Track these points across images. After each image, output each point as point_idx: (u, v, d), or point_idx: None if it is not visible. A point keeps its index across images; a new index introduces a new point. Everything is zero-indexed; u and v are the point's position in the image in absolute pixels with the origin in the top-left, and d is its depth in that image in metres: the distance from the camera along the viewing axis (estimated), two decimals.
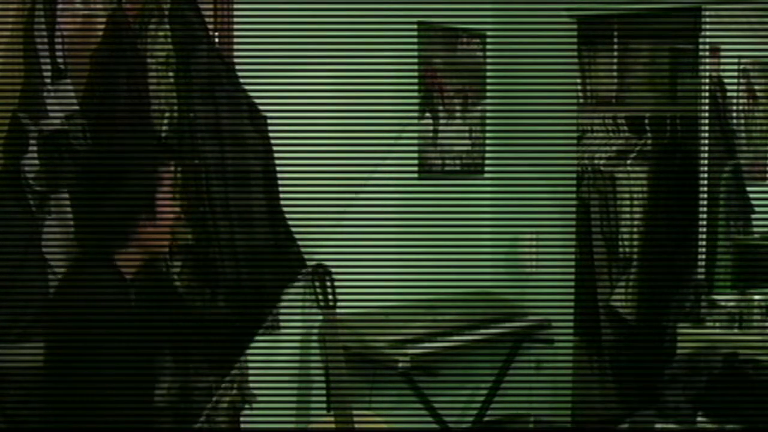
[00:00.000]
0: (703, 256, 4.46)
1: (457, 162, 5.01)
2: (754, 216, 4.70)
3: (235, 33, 3.94)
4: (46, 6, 3.34)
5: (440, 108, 4.91)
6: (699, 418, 3.41)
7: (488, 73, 5.13)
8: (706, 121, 4.46)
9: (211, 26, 3.78)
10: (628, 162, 4.85)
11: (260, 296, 3.71)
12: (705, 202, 4.47)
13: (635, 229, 4.80)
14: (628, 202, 4.81)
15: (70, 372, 2.74)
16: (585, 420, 4.93)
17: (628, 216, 4.81)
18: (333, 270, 4.18)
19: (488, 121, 5.14)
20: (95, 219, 2.88)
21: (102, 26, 3.46)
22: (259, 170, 3.76)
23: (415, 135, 4.80)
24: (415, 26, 4.75)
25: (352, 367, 4.18)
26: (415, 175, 4.81)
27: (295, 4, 4.15)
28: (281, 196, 3.85)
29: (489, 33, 5.10)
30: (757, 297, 4.22)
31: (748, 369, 3.53)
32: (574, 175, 4.91)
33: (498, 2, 5.07)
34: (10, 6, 3.41)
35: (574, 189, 4.91)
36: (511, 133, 5.06)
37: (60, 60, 3.36)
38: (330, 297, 4.16)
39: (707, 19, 4.41)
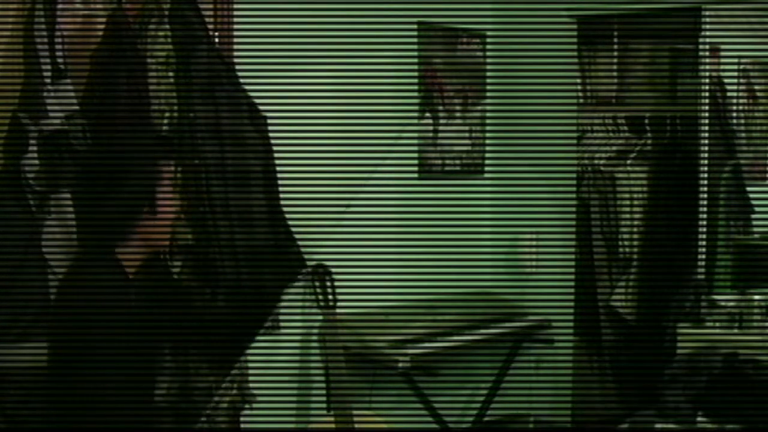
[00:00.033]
0: (703, 256, 4.46)
1: (457, 162, 5.01)
2: (754, 216, 4.70)
3: (235, 33, 3.94)
4: (46, 6, 3.34)
5: (440, 108, 4.91)
6: (699, 418, 3.41)
7: (488, 73, 5.13)
8: (706, 121, 4.46)
9: (211, 26, 3.77)
10: (628, 162, 4.85)
11: (260, 296, 3.71)
12: (705, 202, 4.47)
13: (635, 229, 4.80)
14: (628, 202, 4.81)
15: (73, 368, 2.74)
16: (585, 420, 4.93)
17: (628, 216, 4.81)
18: (333, 270, 4.18)
19: (488, 121, 5.14)
20: (96, 215, 2.88)
21: (102, 26, 3.46)
22: (259, 170, 3.75)
23: (415, 135, 4.80)
24: (415, 26, 4.75)
25: (352, 367, 4.18)
26: (415, 175, 4.81)
27: (295, 4, 4.15)
28: (281, 196, 3.85)
29: (489, 33, 5.10)
30: (757, 297, 4.22)
31: (748, 369, 3.53)
32: (574, 175, 4.91)
33: (498, 2, 5.07)
34: (10, 6, 3.41)
35: (574, 189, 4.91)
36: (511, 133, 5.06)
37: (60, 60, 3.36)
38: (330, 297, 4.16)
39: (707, 19, 4.41)
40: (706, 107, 4.46)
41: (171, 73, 3.58)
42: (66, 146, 3.32)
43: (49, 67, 3.34)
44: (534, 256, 5.04)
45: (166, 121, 3.59)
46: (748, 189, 4.69)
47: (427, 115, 4.85)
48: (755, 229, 4.74)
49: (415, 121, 4.79)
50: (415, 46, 4.77)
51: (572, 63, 4.93)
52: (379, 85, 4.45)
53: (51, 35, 3.34)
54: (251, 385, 3.80)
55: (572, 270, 4.92)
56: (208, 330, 3.27)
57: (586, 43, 4.99)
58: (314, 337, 4.33)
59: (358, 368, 4.29)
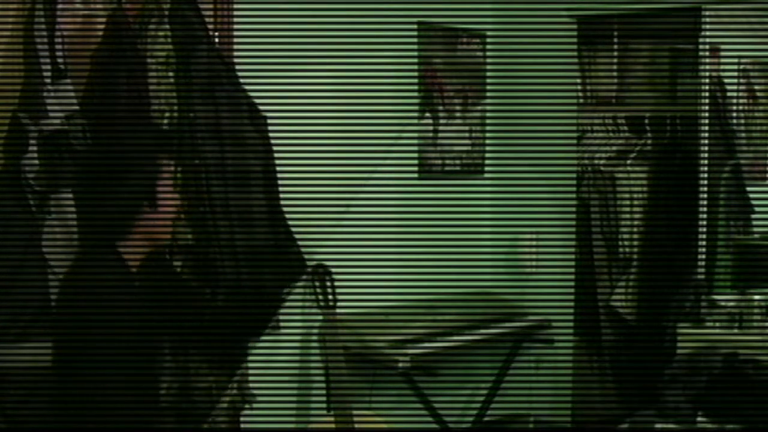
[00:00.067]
0: (703, 256, 4.46)
1: (457, 162, 5.01)
2: (754, 216, 4.70)
3: (235, 33, 3.94)
4: (46, 6, 3.34)
5: (440, 108, 4.91)
6: (699, 418, 3.41)
7: (488, 73, 5.13)
8: (706, 121, 4.46)
9: (211, 26, 3.77)
10: (628, 162, 4.85)
11: (260, 296, 3.71)
12: (705, 202, 4.47)
13: (635, 229, 4.80)
14: (628, 202, 4.81)
15: (76, 363, 2.75)
16: (585, 420, 4.93)
17: (628, 216, 4.81)
18: (333, 270, 4.18)
19: (488, 121, 5.14)
20: (97, 211, 2.88)
21: (102, 26, 3.46)
22: (259, 170, 3.76)
23: (415, 135, 4.80)
24: (415, 26, 4.75)
25: (352, 367, 4.18)
26: (415, 175, 4.81)
27: (295, 4, 4.15)
28: (281, 196, 3.85)
29: (489, 33, 5.10)
30: (757, 297, 4.22)
31: (748, 369, 3.53)
32: (574, 175, 4.91)
33: (498, 2, 5.07)
34: (10, 6, 3.41)
35: (574, 189, 4.91)
36: (511, 133, 5.06)
37: (60, 60, 3.36)
38: (330, 297, 4.16)
39: (707, 19, 4.41)
40: (706, 107, 4.46)
41: (171, 73, 3.58)
42: (66, 146, 3.32)
43: (49, 67, 3.34)
44: (534, 256, 5.04)
45: (166, 121, 3.59)
46: (748, 189, 4.69)
47: (427, 115, 4.85)
48: (755, 229, 4.74)
49: (415, 121, 4.79)
50: (415, 46, 4.77)
51: (572, 63, 4.93)
52: (379, 85, 4.45)
53: (51, 35, 3.34)
54: (251, 385, 3.80)
55: (572, 270, 4.92)
56: (208, 327, 3.27)
57: (586, 43, 4.99)
58: (314, 337, 4.33)
59: (358, 368, 4.29)
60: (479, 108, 5.11)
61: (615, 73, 5.12)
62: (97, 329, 2.73)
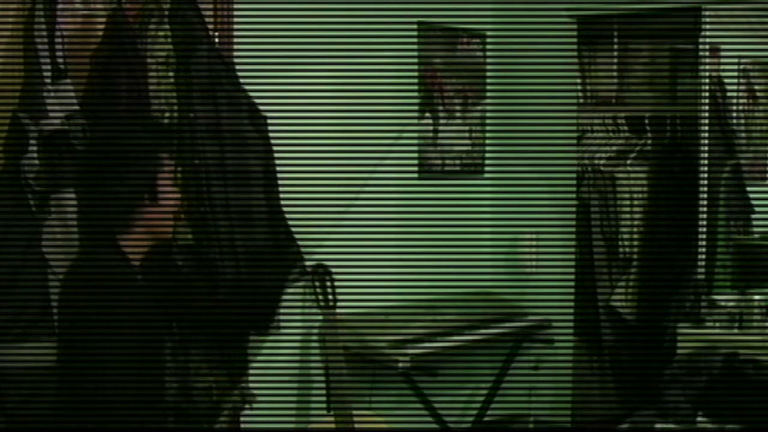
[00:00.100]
0: (703, 256, 4.46)
1: (457, 162, 5.01)
2: (754, 216, 4.70)
3: (235, 33, 3.94)
4: (46, 6, 3.34)
5: (440, 108, 4.91)
6: (699, 418, 3.41)
7: (488, 73, 5.13)
8: (706, 121, 4.46)
9: (211, 26, 3.78)
10: (628, 162, 4.85)
11: (260, 296, 3.71)
12: (705, 202, 4.47)
13: (635, 229, 4.81)
14: (628, 202, 4.81)
15: (80, 359, 2.75)
16: (585, 420, 4.94)
17: (628, 216, 4.81)
18: (333, 270, 4.18)
19: (488, 121, 5.14)
20: (98, 204, 2.89)
21: (102, 26, 3.46)
22: (259, 170, 3.76)
23: (415, 135, 4.80)
24: (415, 26, 4.75)
25: (352, 367, 4.18)
26: (415, 175, 4.81)
27: (295, 4, 4.15)
28: (281, 196, 3.85)
29: (489, 33, 5.10)
30: (757, 297, 4.22)
31: (748, 369, 3.53)
32: (574, 175, 4.91)
33: (498, 2, 5.07)
34: (10, 6, 3.41)
35: (574, 189, 4.91)
36: (511, 133, 5.06)
37: (60, 60, 3.36)
38: (330, 297, 4.16)
39: (707, 19, 4.41)
40: (706, 107, 4.46)
41: (171, 73, 3.58)
42: (66, 146, 3.32)
43: (49, 67, 3.34)
44: (534, 256, 5.04)
45: (166, 121, 3.59)
46: (748, 189, 4.69)
47: (427, 115, 4.85)
48: (755, 229, 4.74)
49: (415, 121, 4.79)
50: (415, 46, 4.77)
51: (572, 63, 4.93)
52: (379, 85, 4.45)
53: (51, 35, 3.35)
54: (251, 385, 3.80)
55: (572, 270, 4.92)
56: (209, 323, 3.27)
57: (586, 43, 4.99)
58: (314, 337, 4.33)
59: (358, 368, 4.29)
60: (479, 108, 5.11)
61: (615, 73, 5.12)
62: (100, 324, 2.73)
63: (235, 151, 3.65)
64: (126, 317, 2.77)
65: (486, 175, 5.14)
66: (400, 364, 4.19)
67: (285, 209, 3.85)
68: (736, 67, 4.65)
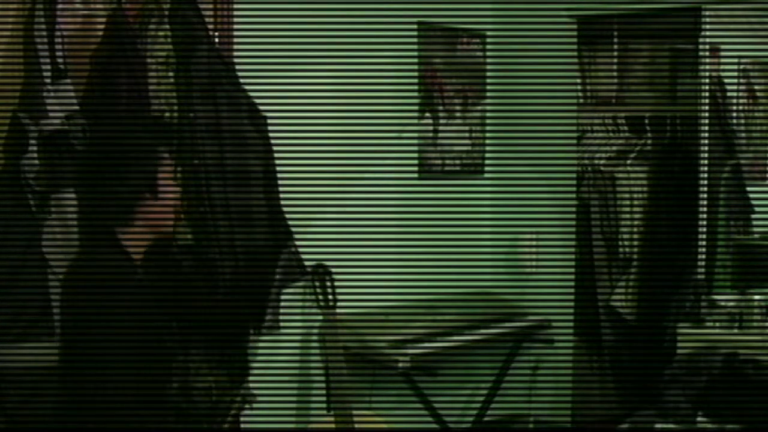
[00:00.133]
0: (703, 256, 4.46)
1: (457, 162, 5.01)
2: (754, 216, 4.70)
3: (235, 33, 3.93)
4: (46, 6, 3.34)
5: (440, 108, 4.91)
6: (699, 418, 3.41)
7: (488, 73, 5.13)
8: (706, 121, 4.46)
9: (211, 26, 3.77)
10: (628, 162, 4.85)
11: (259, 296, 3.72)
12: (705, 202, 4.47)
13: (635, 229, 4.81)
14: (628, 202, 4.81)
15: (82, 355, 2.75)
16: (585, 420, 4.93)
17: (628, 216, 4.81)
18: (333, 270, 4.18)
19: (488, 121, 5.14)
20: (98, 200, 2.89)
21: (102, 26, 3.46)
22: (259, 170, 3.76)
23: (415, 135, 4.80)
24: (415, 26, 4.75)
25: (352, 367, 4.18)
26: (415, 175, 4.81)
27: (295, 4, 4.15)
28: (281, 196, 3.85)
29: (489, 33, 5.10)
30: (757, 297, 4.22)
31: (748, 369, 3.53)
32: (574, 175, 4.91)
33: (498, 2, 5.07)
34: (10, 6, 3.41)
35: (574, 189, 4.91)
36: (511, 133, 5.06)
37: (60, 60, 3.36)
38: (330, 297, 4.16)
39: (707, 19, 4.41)
40: (706, 107, 4.46)
41: (171, 73, 3.58)
42: (66, 146, 3.32)
43: (49, 67, 3.34)
44: (534, 256, 5.04)
45: (165, 120, 3.59)
46: (748, 189, 4.69)
47: (427, 115, 4.84)
48: (755, 229, 4.74)
49: (415, 121, 4.79)
50: (415, 46, 4.77)
51: (572, 63, 4.93)
52: (379, 85, 4.45)
53: (51, 35, 3.34)
54: (251, 385, 3.80)
55: (572, 270, 4.92)
56: (209, 320, 3.27)
57: (586, 43, 4.99)
58: (314, 337, 4.33)
59: (358, 368, 4.29)
60: (479, 108, 5.10)
61: (615, 73, 5.12)
62: (101, 321, 2.73)
63: (235, 151, 3.65)
64: (127, 314, 2.77)
65: (486, 175, 5.14)
66: (400, 364, 4.19)
67: (285, 209, 3.85)
68: (736, 67, 4.65)
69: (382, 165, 4.59)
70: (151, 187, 2.88)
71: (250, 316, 3.70)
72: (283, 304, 3.90)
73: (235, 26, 3.93)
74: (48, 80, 3.33)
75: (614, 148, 4.91)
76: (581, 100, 5.05)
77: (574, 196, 4.91)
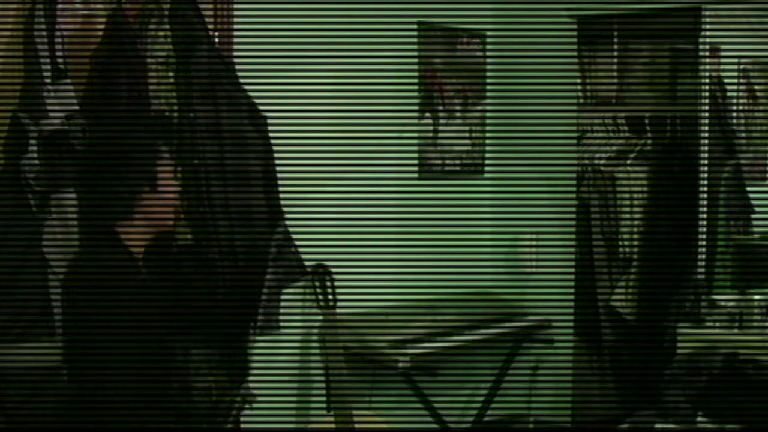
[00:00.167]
0: (703, 256, 4.46)
1: (457, 162, 5.01)
2: (754, 216, 4.70)
3: (235, 33, 3.94)
4: (46, 6, 3.34)
5: (440, 108, 4.91)
6: (699, 418, 3.41)
7: (488, 73, 5.13)
8: (706, 121, 4.46)
9: (211, 26, 3.78)
10: (628, 162, 4.85)
11: (259, 295, 3.71)
12: (705, 202, 4.47)
13: (635, 229, 4.81)
14: (628, 202, 4.81)
15: (85, 353, 2.75)
16: (585, 420, 4.93)
17: (628, 216, 4.81)
18: (333, 270, 4.18)
19: (488, 121, 5.14)
20: (98, 196, 2.89)
21: (102, 26, 3.46)
22: (259, 170, 3.76)
23: (415, 135, 4.80)
24: (415, 26, 4.75)
25: (352, 367, 4.18)
26: (415, 175, 4.81)
27: (295, 4, 4.15)
28: (281, 196, 3.85)
29: (489, 33, 5.10)
30: (757, 297, 4.22)
31: (748, 369, 3.53)
32: (574, 175, 4.91)
33: (498, 2, 5.07)
34: (10, 6, 3.41)
35: (574, 189, 4.91)
36: (511, 133, 5.06)
37: (60, 60, 3.36)
38: (330, 297, 4.16)
39: (707, 19, 4.41)
40: (706, 107, 4.46)
41: (171, 73, 3.58)
42: (66, 146, 3.32)
43: (49, 67, 3.34)
44: (534, 256, 5.04)
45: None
46: (748, 189, 4.69)
47: (427, 115, 4.84)
48: (755, 229, 4.74)
49: (415, 121, 4.79)
50: (415, 46, 4.77)
51: (572, 63, 4.93)
52: (379, 85, 4.45)
53: (51, 35, 3.34)
54: (251, 385, 3.80)
55: (572, 270, 4.92)
56: (209, 320, 3.27)
57: (586, 43, 4.99)
58: (314, 337, 4.33)
59: (358, 368, 4.29)
60: (479, 108, 5.10)
61: (615, 73, 5.12)
62: (103, 319, 2.73)
63: (235, 151, 3.65)
64: (128, 314, 2.76)
65: (486, 175, 5.14)
66: (400, 364, 4.19)
67: (285, 209, 3.85)
68: (736, 67, 4.65)
69: (382, 165, 4.59)
70: (151, 181, 2.88)
71: (250, 316, 3.70)
72: (283, 304, 3.90)
73: (235, 26, 3.93)
74: (48, 80, 3.33)
75: (614, 148, 4.91)
76: (581, 100, 5.05)
77: (574, 196, 4.91)
